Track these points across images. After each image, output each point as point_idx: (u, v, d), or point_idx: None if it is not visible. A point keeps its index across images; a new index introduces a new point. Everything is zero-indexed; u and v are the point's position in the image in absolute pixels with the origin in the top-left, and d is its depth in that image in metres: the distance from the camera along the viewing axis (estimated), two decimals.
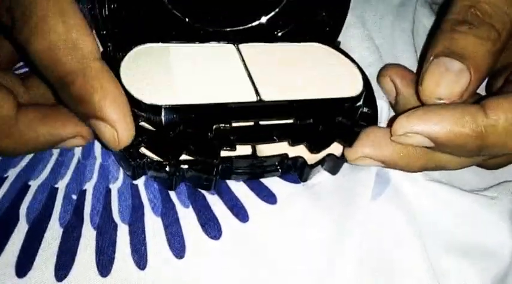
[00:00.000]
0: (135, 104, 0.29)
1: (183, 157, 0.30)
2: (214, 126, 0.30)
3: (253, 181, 0.33)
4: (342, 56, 0.39)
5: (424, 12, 0.47)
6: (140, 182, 0.32)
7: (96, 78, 0.26)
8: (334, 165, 0.34)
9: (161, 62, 0.34)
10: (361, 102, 0.35)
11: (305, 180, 0.34)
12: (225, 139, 0.30)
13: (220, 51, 0.37)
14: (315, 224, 0.32)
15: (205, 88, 0.32)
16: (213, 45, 0.37)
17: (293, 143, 0.32)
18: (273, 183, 0.34)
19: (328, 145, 0.32)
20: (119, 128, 0.26)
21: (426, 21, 0.47)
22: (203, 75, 0.33)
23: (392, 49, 0.45)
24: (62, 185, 0.31)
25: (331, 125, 0.33)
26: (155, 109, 0.29)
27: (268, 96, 0.32)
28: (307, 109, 0.32)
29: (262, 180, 0.34)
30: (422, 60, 0.31)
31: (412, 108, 0.29)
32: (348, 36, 0.43)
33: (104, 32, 0.36)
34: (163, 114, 0.30)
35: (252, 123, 0.32)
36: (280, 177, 0.34)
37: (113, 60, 0.33)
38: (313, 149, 0.32)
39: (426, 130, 0.28)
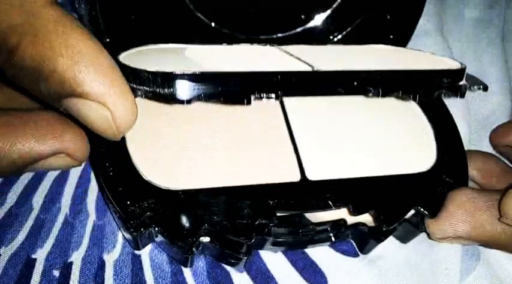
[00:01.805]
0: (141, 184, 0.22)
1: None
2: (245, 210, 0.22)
3: (296, 251, 0.25)
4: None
5: None
6: (145, 251, 0.24)
7: (56, 32, 0.16)
8: (407, 233, 0.25)
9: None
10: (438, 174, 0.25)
11: (366, 252, 0.25)
12: (260, 205, 0.22)
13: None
14: None
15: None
16: None
17: (355, 212, 0.23)
18: (321, 255, 0.25)
19: (402, 215, 0.23)
20: (112, 103, 0.17)
21: None
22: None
23: (476, 62, 0.35)
24: (41, 256, 0.23)
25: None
26: (169, 194, 0.22)
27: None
28: (365, 194, 0.24)
29: (307, 250, 0.25)
30: None
31: None
32: (420, 45, 0.34)
33: (108, 40, 0.27)
34: (178, 200, 0.22)
35: (298, 179, 0.24)
36: (331, 245, 0.25)
37: None
38: (383, 222, 0.23)
39: None
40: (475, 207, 0.22)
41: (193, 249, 0.22)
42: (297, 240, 0.24)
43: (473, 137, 0.31)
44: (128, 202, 0.21)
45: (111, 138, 0.18)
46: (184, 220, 0.21)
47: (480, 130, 0.32)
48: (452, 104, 0.30)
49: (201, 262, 0.24)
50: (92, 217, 0.25)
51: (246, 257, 0.22)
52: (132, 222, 0.21)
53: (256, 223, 0.22)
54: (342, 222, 0.24)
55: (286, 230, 0.23)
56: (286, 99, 0.27)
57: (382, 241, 0.24)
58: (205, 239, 0.22)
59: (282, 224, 0.23)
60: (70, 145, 0.21)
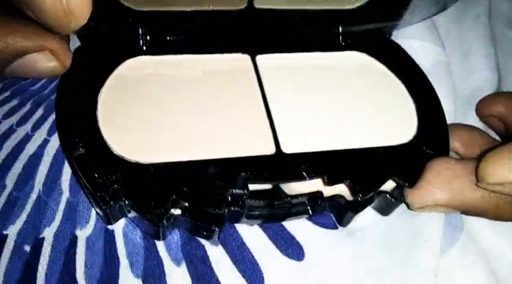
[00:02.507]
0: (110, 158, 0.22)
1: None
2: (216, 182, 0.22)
3: (273, 225, 0.24)
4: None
5: None
6: (118, 227, 0.24)
7: None
8: (386, 204, 0.25)
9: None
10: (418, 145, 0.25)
11: (345, 225, 0.25)
12: (232, 177, 0.22)
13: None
14: None
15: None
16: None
17: (330, 182, 0.22)
18: (299, 228, 0.24)
19: (378, 185, 0.23)
20: None
21: (506, 6, 0.36)
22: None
23: (461, 40, 0.34)
24: (12, 231, 0.23)
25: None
26: (138, 167, 0.22)
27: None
28: (341, 165, 0.23)
29: (285, 223, 0.25)
30: None
31: None
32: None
33: None
34: (147, 173, 0.22)
35: (273, 152, 0.23)
36: (310, 218, 0.25)
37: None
38: (359, 191, 0.22)
39: None
40: (454, 174, 0.22)
41: (164, 221, 0.21)
42: (273, 213, 0.24)
43: (459, 113, 0.31)
44: (96, 175, 0.21)
45: (61, 27, 0.19)
46: (153, 192, 0.21)
47: (465, 105, 0.31)
48: (437, 81, 0.30)
49: (175, 236, 0.24)
50: (66, 194, 0.25)
51: (218, 229, 0.22)
52: (99, 194, 0.21)
53: (228, 194, 0.22)
54: (318, 194, 0.23)
55: (262, 202, 0.23)
56: (262, 71, 0.27)
57: (358, 212, 0.23)
58: (177, 211, 0.22)
59: (256, 196, 0.23)
60: (54, 44, 0.22)
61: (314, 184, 0.24)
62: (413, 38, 0.33)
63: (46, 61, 0.22)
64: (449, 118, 0.29)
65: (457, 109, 0.31)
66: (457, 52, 0.34)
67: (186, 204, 0.21)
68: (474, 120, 0.30)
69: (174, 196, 0.21)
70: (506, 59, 0.34)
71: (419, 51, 0.32)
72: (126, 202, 0.21)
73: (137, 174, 0.21)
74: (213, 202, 0.21)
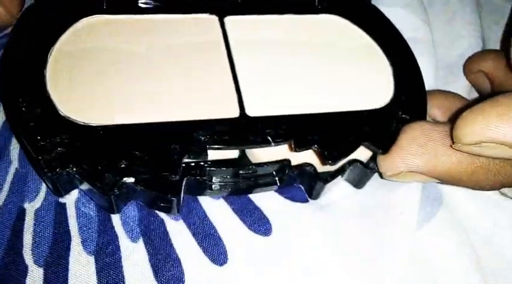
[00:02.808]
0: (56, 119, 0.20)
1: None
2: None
3: (239, 198, 0.23)
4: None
5: None
6: (70, 199, 0.22)
7: None
8: (359, 175, 0.23)
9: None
10: (394, 110, 0.23)
11: (315, 197, 0.23)
12: (189, 141, 0.20)
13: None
14: (331, 268, 0.21)
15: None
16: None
17: (298, 147, 0.21)
18: (266, 201, 0.23)
19: (349, 151, 0.21)
20: None
21: None
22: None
23: (445, 7, 0.33)
24: None
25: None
26: (86, 129, 0.20)
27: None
28: (309, 130, 0.22)
29: (251, 195, 0.23)
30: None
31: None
32: None
33: None
34: (96, 136, 0.20)
35: (236, 116, 0.22)
36: (278, 190, 0.23)
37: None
38: (329, 158, 0.21)
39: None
40: (429, 139, 0.20)
41: (115, 190, 0.19)
42: (238, 184, 0.22)
43: (441, 83, 0.29)
44: (39, 137, 0.19)
45: None
46: (102, 157, 0.19)
47: (448, 75, 0.30)
48: (418, 49, 0.28)
49: (132, 211, 0.22)
50: (15, 164, 0.23)
51: (175, 199, 0.20)
52: (41, 158, 0.19)
53: (185, 159, 0.20)
54: (286, 162, 0.22)
55: (224, 171, 0.21)
56: (230, 34, 0.25)
57: (329, 181, 0.22)
58: (129, 179, 0.20)
59: (218, 165, 0.21)
60: None
61: (281, 153, 0.22)
62: (394, 6, 0.31)
63: None
64: (431, 88, 0.27)
65: (439, 79, 0.29)
66: (441, 18, 0.32)
67: (139, 170, 0.19)
68: (456, 90, 0.29)
69: (125, 161, 0.19)
70: (489, 26, 0.33)
71: (399, 21, 0.30)
72: (74, 169, 0.19)
73: (84, 136, 0.20)
74: (167, 167, 0.19)
